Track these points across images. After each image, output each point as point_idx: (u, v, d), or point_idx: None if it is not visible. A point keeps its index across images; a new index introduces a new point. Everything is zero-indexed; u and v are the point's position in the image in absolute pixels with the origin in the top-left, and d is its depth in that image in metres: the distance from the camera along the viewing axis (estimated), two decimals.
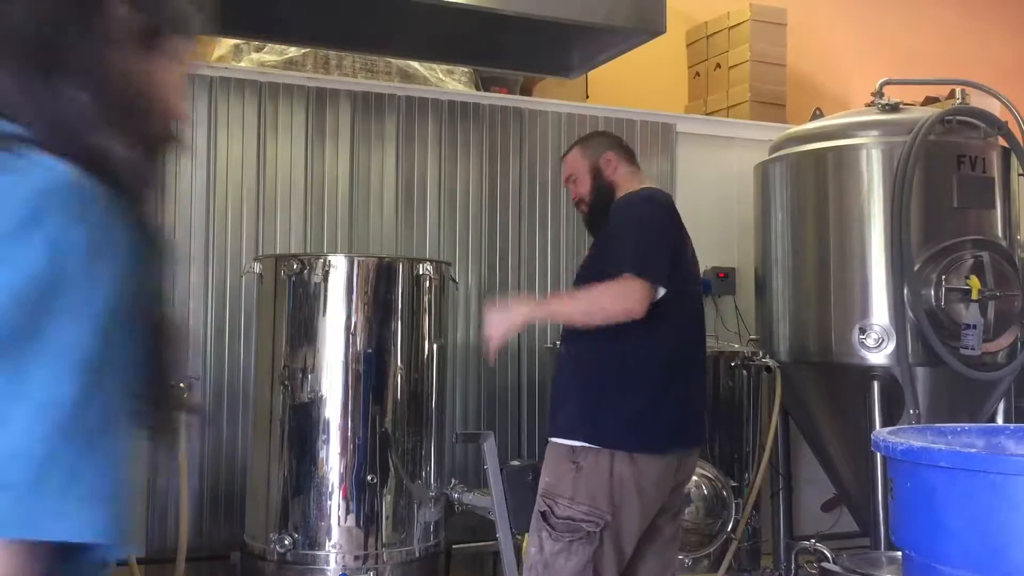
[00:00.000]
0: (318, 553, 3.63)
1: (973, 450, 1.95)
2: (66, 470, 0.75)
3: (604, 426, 2.75)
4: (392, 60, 4.99)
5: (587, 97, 5.59)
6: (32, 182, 0.81)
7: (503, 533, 3.43)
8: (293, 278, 3.72)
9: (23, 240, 0.78)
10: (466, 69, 5.21)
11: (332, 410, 3.68)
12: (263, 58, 4.82)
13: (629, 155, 3.15)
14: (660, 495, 2.84)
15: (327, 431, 3.68)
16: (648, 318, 2.68)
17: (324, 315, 3.71)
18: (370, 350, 3.72)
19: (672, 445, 2.83)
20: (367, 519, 3.67)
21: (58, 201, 0.81)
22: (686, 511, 4.09)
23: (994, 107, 4.63)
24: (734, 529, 4.23)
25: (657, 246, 2.77)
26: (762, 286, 4.78)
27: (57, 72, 0.89)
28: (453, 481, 3.86)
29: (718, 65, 6.02)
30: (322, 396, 3.69)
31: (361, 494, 3.66)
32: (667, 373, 2.81)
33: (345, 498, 3.66)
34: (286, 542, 3.61)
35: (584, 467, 2.73)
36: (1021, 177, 4.41)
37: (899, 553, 2.07)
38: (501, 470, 3.47)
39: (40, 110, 0.87)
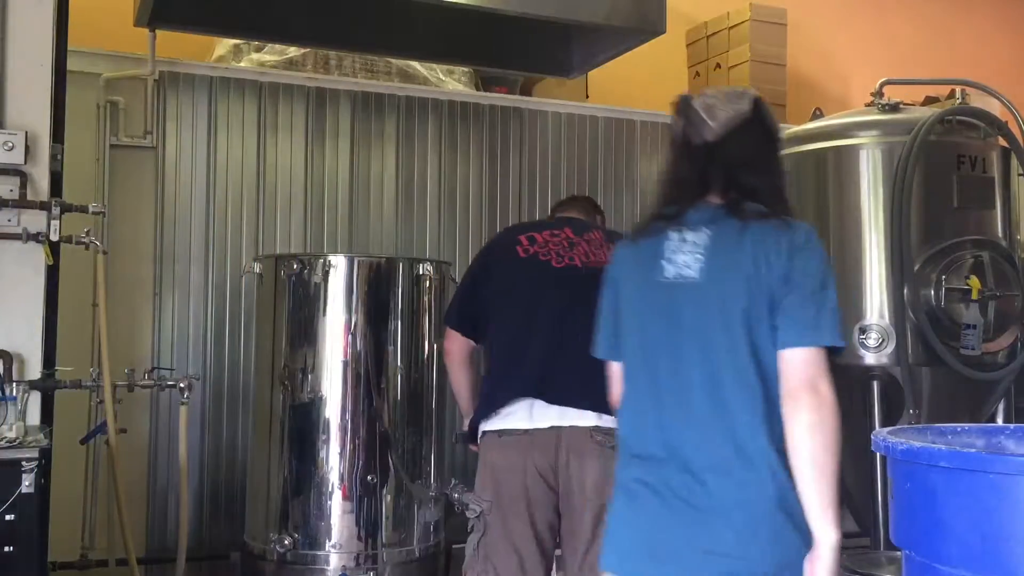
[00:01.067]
0: (318, 553, 3.63)
1: (973, 450, 1.95)
2: (837, 318, 2.19)
3: (475, 416, 3.07)
4: (392, 60, 4.99)
5: (587, 97, 5.59)
6: (805, 227, 2.20)
7: None
8: (293, 278, 3.72)
9: (818, 244, 2.18)
10: (466, 69, 5.20)
11: (332, 410, 3.68)
12: (263, 58, 4.82)
13: (559, 206, 3.54)
14: (524, 479, 2.88)
15: (327, 431, 3.67)
16: (483, 326, 3.12)
17: (324, 315, 3.71)
18: (370, 350, 3.72)
19: (503, 402, 2.93)
20: (367, 519, 3.67)
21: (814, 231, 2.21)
22: None
23: (994, 107, 4.62)
24: None
25: (457, 295, 3.28)
26: None
27: (773, 175, 2.30)
28: (453, 481, 3.86)
29: (718, 65, 6.02)
30: (322, 396, 3.69)
31: (361, 494, 3.66)
32: (503, 358, 3.02)
33: (345, 498, 3.66)
34: (286, 542, 3.61)
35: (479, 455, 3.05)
36: (1021, 177, 4.40)
37: (899, 553, 2.07)
38: None
39: (772, 196, 2.23)
